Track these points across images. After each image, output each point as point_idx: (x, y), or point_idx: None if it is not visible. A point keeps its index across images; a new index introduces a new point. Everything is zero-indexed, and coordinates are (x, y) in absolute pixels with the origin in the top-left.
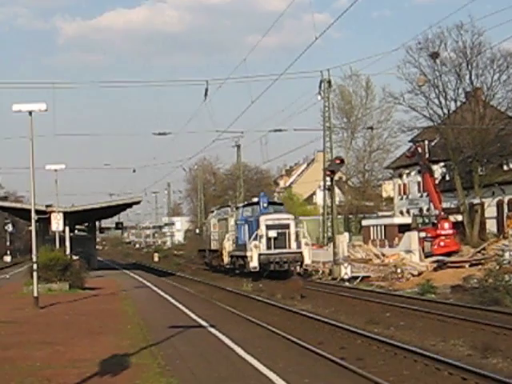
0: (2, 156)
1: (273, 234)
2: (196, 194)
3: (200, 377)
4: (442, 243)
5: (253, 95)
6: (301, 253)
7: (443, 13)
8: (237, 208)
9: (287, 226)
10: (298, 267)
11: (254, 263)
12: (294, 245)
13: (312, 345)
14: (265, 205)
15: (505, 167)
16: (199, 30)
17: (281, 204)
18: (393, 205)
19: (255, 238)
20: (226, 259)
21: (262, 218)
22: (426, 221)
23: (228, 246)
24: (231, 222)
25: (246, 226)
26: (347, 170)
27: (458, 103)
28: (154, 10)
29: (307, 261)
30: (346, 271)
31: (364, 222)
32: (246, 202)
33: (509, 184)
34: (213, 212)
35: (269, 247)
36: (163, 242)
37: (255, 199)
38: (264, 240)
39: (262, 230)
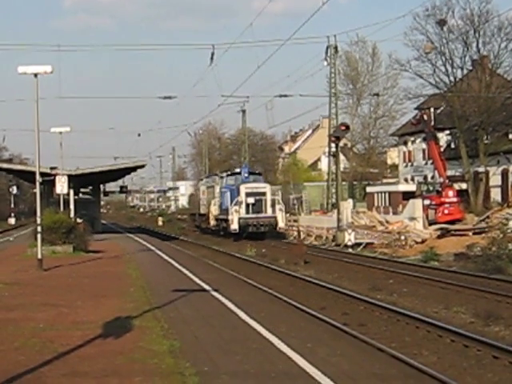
0: (6, 118)
1: (251, 200)
2: (201, 159)
3: (202, 340)
4: (446, 211)
5: (259, 60)
6: (275, 217)
7: None
8: (221, 177)
9: (264, 194)
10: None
11: (234, 226)
12: (269, 210)
13: (315, 310)
14: (246, 175)
15: (510, 136)
16: None
17: (259, 174)
18: (397, 172)
19: (236, 204)
20: (212, 222)
21: (242, 187)
22: (431, 188)
23: (214, 210)
24: (217, 189)
25: (229, 193)
26: (352, 136)
27: (465, 71)
28: None
29: (281, 224)
30: (349, 238)
31: (368, 189)
32: (229, 172)
33: None
34: (202, 180)
35: (247, 212)
36: (167, 207)
37: (237, 169)
38: (243, 205)
39: (242, 196)
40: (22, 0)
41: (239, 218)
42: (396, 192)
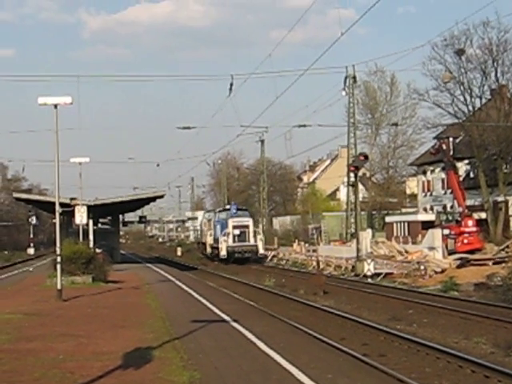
0: (26, 149)
1: (236, 232)
2: (219, 189)
3: (223, 371)
4: (465, 240)
5: (277, 90)
6: (256, 245)
7: (469, 9)
8: (215, 212)
9: (247, 227)
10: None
11: (223, 252)
12: (252, 240)
13: (334, 340)
14: (234, 210)
15: None
16: (224, 25)
17: (246, 210)
18: (416, 201)
19: (224, 235)
20: (208, 249)
21: (230, 220)
22: (450, 218)
23: (209, 239)
24: (212, 222)
25: (219, 226)
26: (371, 166)
27: (483, 100)
28: (178, 5)
29: (261, 251)
30: (368, 267)
31: (387, 219)
32: (221, 208)
33: None
34: (205, 214)
35: (234, 241)
36: (186, 237)
37: (228, 206)
38: (231, 236)
39: (230, 228)
40: (42, 31)
41: (227, 246)
42: (415, 222)
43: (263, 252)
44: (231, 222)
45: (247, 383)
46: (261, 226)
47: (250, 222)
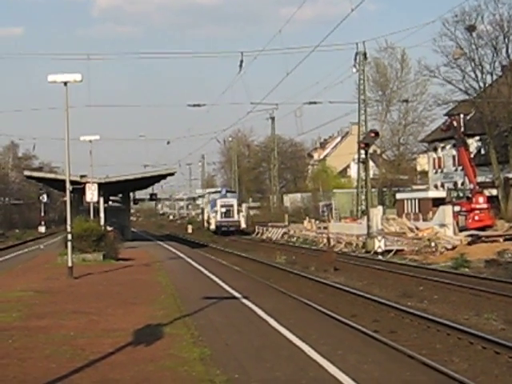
0: (37, 127)
1: (223, 209)
2: (230, 166)
3: (233, 347)
4: (476, 217)
5: (288, 67)
6: (239, 221)
7: None
8: (209, 193)
9: (232, 205)
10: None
11: (212, 226)
12: (235, 216)
13: (345, 317)
14: (224, 192)
15: None
16: (234, 2)
17: (234, 192)
18: (427, 178)
19: (214, 212)
20: (205, 224)
21: (218, 200)
22: (461, 195)
23: (205, 216)
24: (207, 201)
25: (211, 204)
26: (382, 143)
27: (494, 77)
28: None
29: (243, 225)
30: (379, 244)
31: (398, 196)
32: (215, 190)
33: None
34: (201, 196)
35: (221, 217)
36: (197, 214)
37: (219, 188)
38: (219, 213)
39: (218, 207)
40: (51, 9)
41: (216, 221)
42: (426, 198)
43: (245, 226)
44: (219, 202)
45: (258, 359)
46: (244, 205)
47: (234, 202)
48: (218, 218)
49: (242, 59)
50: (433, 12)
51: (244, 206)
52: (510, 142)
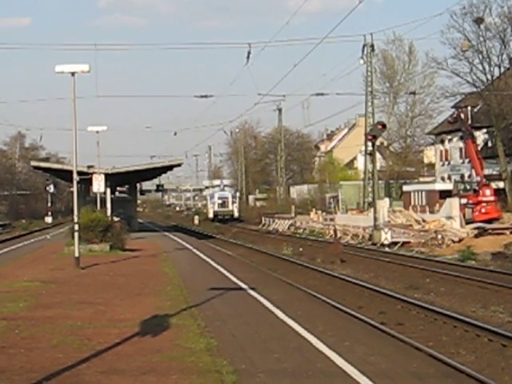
0: (44, 117)
1: (220, 201)
2: (237, 158)
3: (240, 338)
4: (483, 210)
5: (295, 59)
6: (232, 210)
7: None
8: (207, 187)
9: (227, 198)
10: None
11: (210, 215)
12: (230, 206)
13: (352, 309)
14: (221, 186)
15: None
16: None
17: (231, 186)
18: (434, 171)
19: (212, 203)
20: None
21: (216, 194)
22: (468, 187)
23: (208, 207)
24: (208, 194)
25: (210, 197)
26: (389, 135)
27: (502, 69)
28: None
29: (236, 215)
30: (386, 236)
31: (405, 188)
32: (214, 184)
33: None
34: (207, 188)
35: (218, 207)
36: (203, 205)
37: (218, 183)
38: (216, 204)
39: (215, 199)
40: (58, 1)
41: (213, 211)
42: (433, 191)
43: (237, 215)
44: (216, 195)
45: (265, 351)
46: (237, 199)
47: (229, 195)
48: (216, 208)
49: (250, 50)
50: (441, 4)
51: (237, 195)
52: None
